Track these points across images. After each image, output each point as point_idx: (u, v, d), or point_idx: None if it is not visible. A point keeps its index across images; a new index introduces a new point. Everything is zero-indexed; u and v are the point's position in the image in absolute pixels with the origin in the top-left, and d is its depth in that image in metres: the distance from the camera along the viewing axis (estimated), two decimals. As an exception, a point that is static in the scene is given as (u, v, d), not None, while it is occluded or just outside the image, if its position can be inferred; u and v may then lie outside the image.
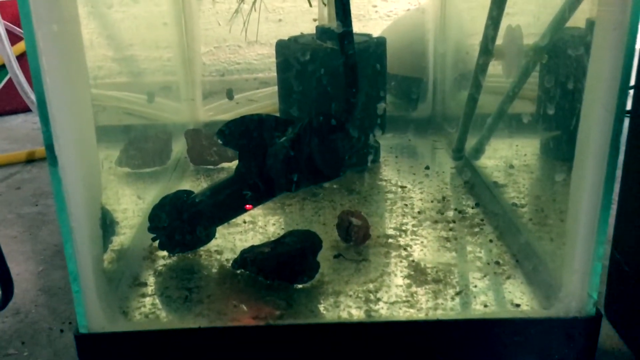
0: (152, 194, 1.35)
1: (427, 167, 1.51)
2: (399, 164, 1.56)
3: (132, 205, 1.29)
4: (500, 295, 0.99)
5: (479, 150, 1.46)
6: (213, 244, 1.17)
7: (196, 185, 1.47)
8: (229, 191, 1.05)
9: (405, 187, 1.42)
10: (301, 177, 0.91)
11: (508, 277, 1.04)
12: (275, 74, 1.55)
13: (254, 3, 1.52)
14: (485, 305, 0.96)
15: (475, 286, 1.01)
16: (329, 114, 0.87)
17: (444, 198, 1.35)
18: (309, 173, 0.90)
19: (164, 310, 0.98)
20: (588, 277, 0.87)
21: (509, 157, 1.48)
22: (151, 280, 1.06)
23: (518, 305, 0.96)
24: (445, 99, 1.79)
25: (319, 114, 0.89)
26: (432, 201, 1.34)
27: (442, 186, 1.42)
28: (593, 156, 0.84)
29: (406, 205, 1.33)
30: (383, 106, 1.46)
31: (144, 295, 1.02)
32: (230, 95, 1.81)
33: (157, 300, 1.00)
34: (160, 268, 1.10)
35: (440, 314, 0.94)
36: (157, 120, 1.78)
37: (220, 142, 1.02)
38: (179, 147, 1.63)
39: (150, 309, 0.98)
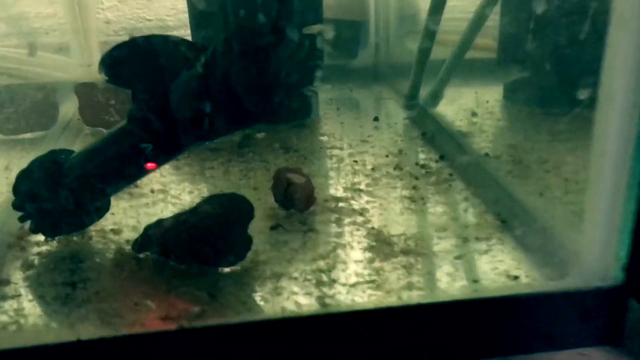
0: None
1: (376, 119, 1.27)
2: (342, 117, 1.31)
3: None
4: (490, 265, 0.76)
5: (436, 97, 1.22)
6: (109, 221, 0.88)
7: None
8: (121, 145, 0.76)
9: (352, 141, 1.17)
10: (220, 118, 0.63)
11: (495, 243, 0.81)
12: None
13: None
14: (475, 281, 0.73)
15: (458, 256, 0.78)
16: (256, 22, 0.60)
17: (400, 152, 1.11)
18: (231, 112, 0.63)
19: (32, 317, 0.69)
20: (614, 236, 0.65)
21: (469, 105, 1.27)
22: (17, 275, 0.76)
23: (516, 278, 0.73)
24: (390, 43, 1.55)
25: (240, 24, 0.61)
26: (386, 156, 1.09)
27: (396, 138, 1.18)
28: (623, 88, 0.61)
29: (356, 162, 1.08)
30: (321, 28, 1.19)
31: (3, 298, 0.72)
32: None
33: (23, 304, 0.71)
34: (32, 258, 0.80)
35: (418, 297, 0.70)
36: (42, 78, 1.45)
37: (104, 76, 0.72)
38: (69, 107, 1.31)
39: (11, 318, 0.69)
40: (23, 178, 0.81)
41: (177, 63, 0.70)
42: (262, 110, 0.63)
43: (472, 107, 1.24)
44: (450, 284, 0.73)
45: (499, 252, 0.78)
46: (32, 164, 0.81)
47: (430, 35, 1.14)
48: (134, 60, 0.71)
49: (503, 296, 0.68)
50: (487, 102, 1.26)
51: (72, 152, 0.83)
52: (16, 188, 0.81)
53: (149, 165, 0.77)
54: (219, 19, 0.96)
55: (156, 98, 0.71)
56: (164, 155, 0.76)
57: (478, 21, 1.06)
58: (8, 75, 1.46)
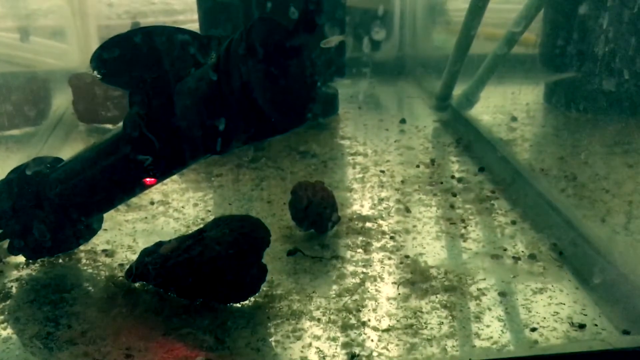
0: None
1: (403, 121, 1.15)
2: (365, 117, 1.19)
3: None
4: (548, 309, 0.64)
5: (472, 98, 1.10)
6: (101, 239, 0.77)
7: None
8: (115, 156, 0.64)
9: (377, 147, 1.04)
10: (234, 128, 0.51)
11: (552, 280, 0.69)
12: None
13: None
14: (533, 329, 0.61)
15: (510, 296, 0.66)
16: (287, 16, 0.47)
17: (432, 161, 0.98)
18: (247, 121, 0.50)
19: (4, 364, 0.58)
20: None
21: (506, 108, 1.14)
22: (-9, 307, 0.65)
23: (582, 326, 0.61)
24: (417, 35, 1.42)
25: (261, 18, 0.49)
26: (417, 166, 0.97)
27: (427, 145, 1.06)
28: None
29: (383, 172, 0.96)
30: (340, 38, 1.08)
31: (-27, 336, 0.61)
32: (136, 30, 1.37)
33: (-6, 345, 0.60)
34: (9, 285, 0.69)
35: (465, 349, 0.58)
36: (34, 66, 1.33)
37: (96, 74, 0.61)
38: (63, 100, 1.19)
39: (-22, 364, 0.57)
40: (1, 190, 0.69)
41: (182, 62, 0.57)
42: (290, 123, 0.51)
43: (510, 110, 1.11)
44: (503, 332, 0.61)
45: (558, 292, 0.66)
46: (12, 174, 0.69)
47: (471, 28, 1.01)
48: (130, 58, 0.59)
49: (570, 354, 0.57)
50: (527, 104, 1.14)
51: (59, 160, 0.71)
52: (-8, 202, 0.69)
53: (147, 180, 0.65)
54: (237, 10, 0.84)
55: (157, 103, 0.58)
56: (165, 169, 0.64)
57: (529, 12, 0.93)
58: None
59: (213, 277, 0.63)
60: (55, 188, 0.66)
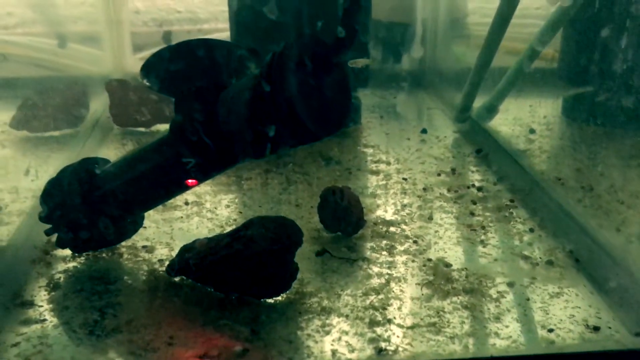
0: (57, 167, 0.97)
1: (424, 131, 1.19)
2: (386, 127, 1.23)
3: (23, 183, 0.91)
4: (565, 312, 0.68)
5: (492, 110, 1.14)
6: (141, 237, 0.81)
7: (120, 154, 1.09)
8: (161, 158, 0.69)
9: (399, 156, 1.09)
10: (279, 135, 0.56)
11: (568, 285, 0.72)
12: (223, 24, 1.21)
13: None
14: (550, 330, 0.64)
15: (528, 299, 0.70)
16: (334, 33, 0.51)
17: (453, 170, 1.02)
18: (291, 130, 0.55)
19: (57, 347, 0.62)
20: None
21: (525, 120, 1.18)
22: (42, 296, 0.70)
23: (597, 329, 0.65)
24: (437, 48, 1.46)
25: (307, 34, 0.54)
26: (438, 174, 1.01)
27: (447, 155, 1.10)
28: None
29: (405, 179, 1.00)
30: (367, 62, 1.12)
31: (26, 323, 0.65)
32: (167, 39, 1.43)
33: (48, 330, 0.64)
34: (57, 277, 0.73)
35: (489, 348, 0.62)
36: (72, 71, 1.38)
37: (146, 83, 0.65)
38: (99, 104, 1.24)
39: (34, 347, 0.62)
40: (53, 188, 0.74)
41: (228, 68, 0.62)
42: (330, 130, 0.55)
43: (528, 122, 1.15)
44: (521, 332, 0.64)
45: (574, 296, 0.70)
46: (63, 173, 0.74)
47: (494, 41, 1.05)
48: (180, 64, 0.64)
49: (585, 352, 0.60)
50: (545, 117, 1.17)
51: (107, 161, 0.76)
52: (45, 198, 0.74)
53: (190, 182, 0.70)
54: (283, 28, 0.88)
55: (203, 107, 0.63)
56: (208, 171, 0.69)
57: (551, 28, 0.97)
58: (36, 66, 1.40)
59: (255, 272, 0.67)
60: (107, 185, 0.70)
